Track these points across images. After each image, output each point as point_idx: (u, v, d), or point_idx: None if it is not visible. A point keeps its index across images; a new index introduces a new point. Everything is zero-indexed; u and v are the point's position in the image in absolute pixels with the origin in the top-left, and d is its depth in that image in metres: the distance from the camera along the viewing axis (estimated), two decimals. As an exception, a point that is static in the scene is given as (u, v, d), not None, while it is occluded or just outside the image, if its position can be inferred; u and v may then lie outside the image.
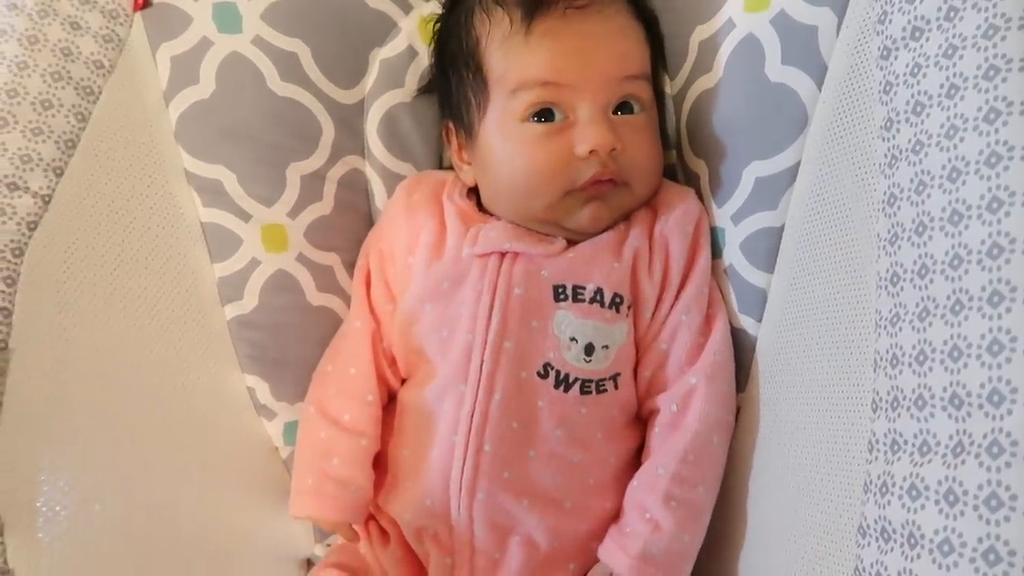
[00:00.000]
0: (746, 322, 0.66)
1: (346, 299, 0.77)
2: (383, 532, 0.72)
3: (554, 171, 0.64)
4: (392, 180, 0.78)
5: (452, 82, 0.71)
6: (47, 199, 0.60)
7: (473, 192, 0.74)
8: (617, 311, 0.65)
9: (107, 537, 0.61)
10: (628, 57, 0.66)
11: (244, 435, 0.75)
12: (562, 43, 0.64)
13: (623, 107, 0.66)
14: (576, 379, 0.64)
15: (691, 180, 0.71)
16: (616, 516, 0.66)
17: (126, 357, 0.65)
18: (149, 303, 0.67)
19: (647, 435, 0.67)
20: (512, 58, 0.65)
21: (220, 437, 0.73)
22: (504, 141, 0.66)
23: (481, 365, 0.64)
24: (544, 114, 0.64)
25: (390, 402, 0.73)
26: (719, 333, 0.65)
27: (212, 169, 0.71)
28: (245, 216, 0.72)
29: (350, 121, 0.76)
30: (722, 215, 0.67)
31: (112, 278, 0.64)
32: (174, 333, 0.69)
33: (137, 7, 0.68)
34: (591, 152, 0.63)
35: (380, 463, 0.71)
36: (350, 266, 0.77)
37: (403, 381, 0.73)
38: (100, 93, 0.65)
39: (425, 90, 0.76)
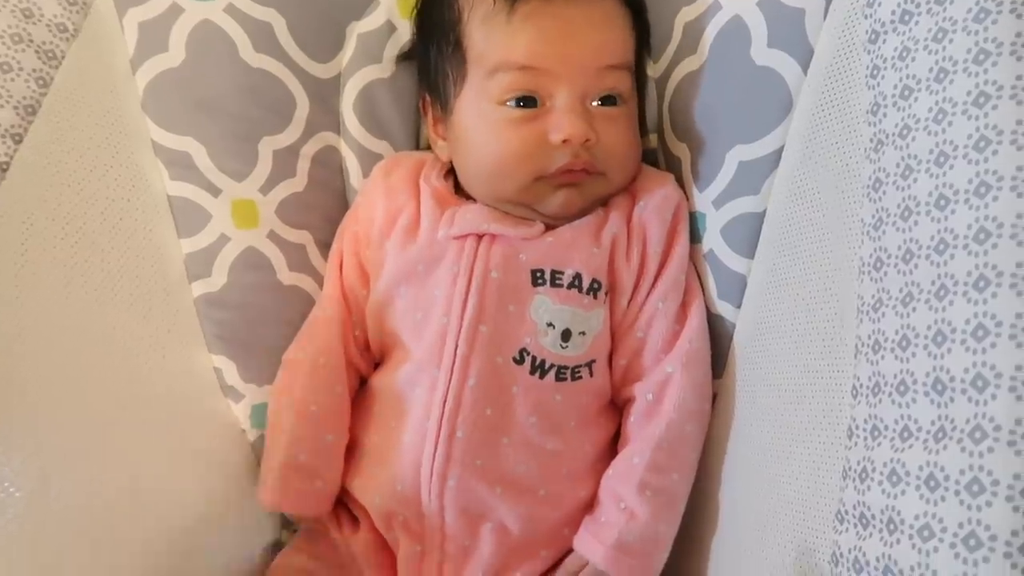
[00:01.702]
0: (724, 308, 0.65)
1: (318, 279, 0.75)
2: (352, 517, 0.70)
3: (525, 156, 0.63)
4: (368, 158, 0.76)
5: (431, 53, 0.69)
6: (4, 167, 0.57)
7: (451, 174, 0.72)
8: (595, 297, 0.64)
9: (65, 519, 0.58)
10: (610, 46, 0.65)
11: (210, 417, 0.73)
12: (544, 27, 0.62)
13: (605, 100, 0.65)
14: (552, 365, 0.63)
15: (672, 164, 0.70)
16: (590, 504, 0.65)
17: (86, 333, 0.63)
18: (111, 278, 0.64)
19: (623, 424, 0.66)
20: (492, 38, 0.63)
21: (184, 419, 0.71)
22: (478, 121, 0.65)
23: (456, 349, 0.62)
24: (523, 100, 0.63)
25: (362, 387, 0.71)
26: (695, 320, 0.65)
27: (181, 141, 0.68)
28: (214, 190, 0.70)
29: (325, 96, 0.74)
30: (703, 200, 0.66)
31: (73, 251, 0.62)
32: (137, 310, 0.66)
33: (104, -30, 0.66)
34: (564, 141, 0.62)
35: (350, 447, 0.69)
36: (323, 245, 0.75)
37: (376, 366, 0.71)
38: (63, 58, 0.62)
39: (405, 57, 0.75)
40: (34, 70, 0.60)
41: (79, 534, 0.59)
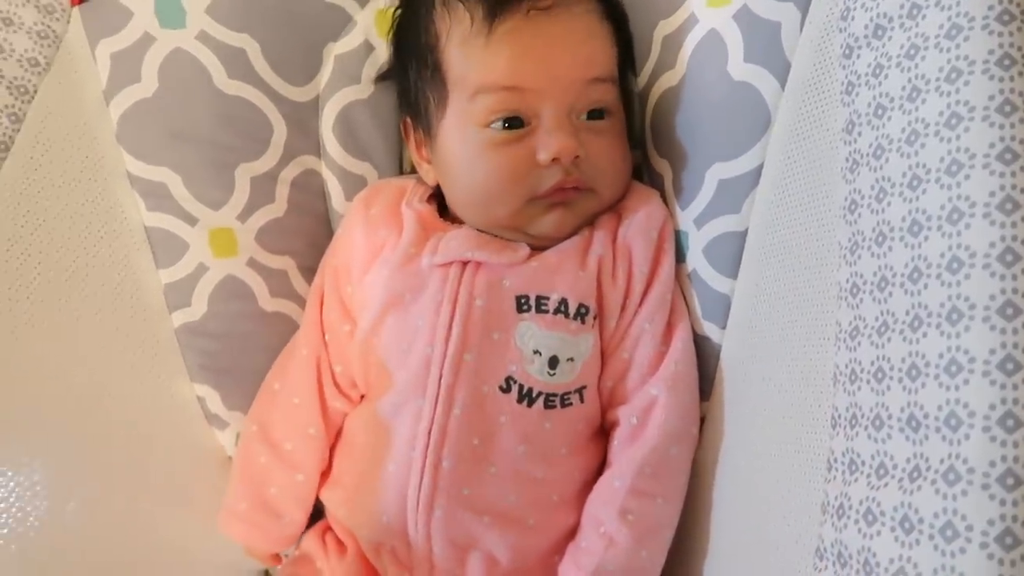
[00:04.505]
0: (710, 329, 0.63)
1: (302, 304, 0.74)
2: (340, 544, 0.70)
3: (515, 178, 0.62)
4: (350, 181, 0.75)
5: (410, 77, 0.68)
6: (-23, 205, 0.57)
7: (435, 197, 0.71)
8: (583, 322, 0.62)
9: (76, 538, 0.61)
10: (593, 60, 0.63)
11: (195, 445, 0.73)
12: (524, 46, 0.61)
13: (591, 114, 0.63)
14: (540, 393, 0.62)
15: (655, 181, 0.69)
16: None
17: (68, 366, 0.63)
18: (91, 311, 0.64)
19: (608, 448, 0.65)
20: (472, 60, 0.62)
21: (170, 448, 0.71)
22: (463, 145, 0.63)
23: (440, 379, 0.61)
24: (509, 121, 0.61)
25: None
26: (680, 342, 0.63)
27: (156, 171, 0.68)
28: (191, 220, 0.69)
29: (303, 120, 0.73)
30: (685, 218, 0.64)
31: (51, 286, 0.62)
32: (119, 341, 0.66)
33: (75, 2, 0.65)
34: (553, 160, 0.61)
35: (336, 477, 0.69)
36: (306, 270, 0.75)
37: (362, 398, 0.70)
38: (35, 92, 0.62)
39: (383, 78, 0.73)
40: (6, 106, 0.60)
41: (68, 563, 0.61)
